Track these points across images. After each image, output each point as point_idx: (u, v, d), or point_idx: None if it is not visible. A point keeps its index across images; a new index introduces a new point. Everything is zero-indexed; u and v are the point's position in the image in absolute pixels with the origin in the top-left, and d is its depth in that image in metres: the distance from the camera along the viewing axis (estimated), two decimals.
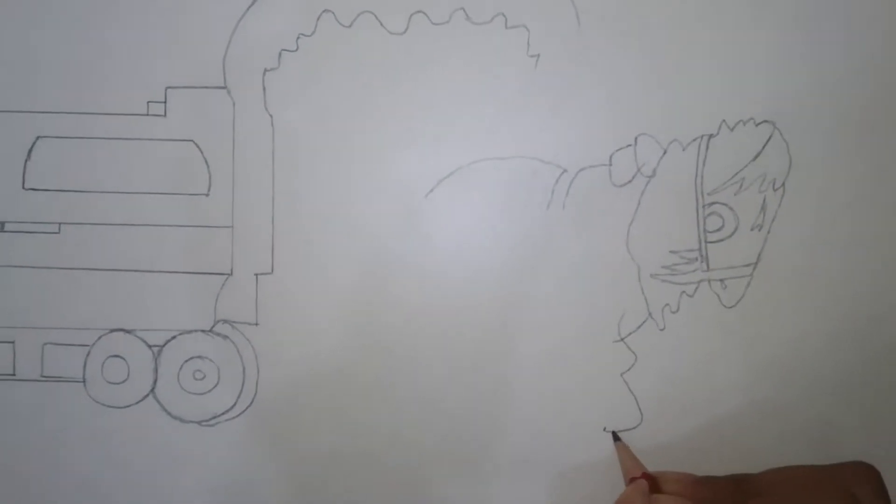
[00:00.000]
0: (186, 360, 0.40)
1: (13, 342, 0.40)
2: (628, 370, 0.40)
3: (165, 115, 0.40)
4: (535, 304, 0.40)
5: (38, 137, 0.40)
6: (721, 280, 0.40)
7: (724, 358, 0.40)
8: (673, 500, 0.33)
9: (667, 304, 0.40)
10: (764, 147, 0.40)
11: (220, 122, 0.40)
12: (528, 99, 0.40)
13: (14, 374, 0.41)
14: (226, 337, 0.40)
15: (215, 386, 0.40)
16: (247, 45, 0.40)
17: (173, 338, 0.40)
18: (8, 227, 0.40)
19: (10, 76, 0.40)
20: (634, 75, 0.40)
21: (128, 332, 0.40)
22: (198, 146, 0.40)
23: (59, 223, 0.40)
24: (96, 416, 0.40)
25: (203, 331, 0.40)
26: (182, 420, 0.40)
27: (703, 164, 0.40)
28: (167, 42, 0.40)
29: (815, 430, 0.40)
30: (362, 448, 0.40)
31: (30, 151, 0.40)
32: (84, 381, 0.40)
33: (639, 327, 0.40)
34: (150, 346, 0.40)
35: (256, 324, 0.40)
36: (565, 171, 0.40)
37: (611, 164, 0.40)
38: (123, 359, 0.40)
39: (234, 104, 0.40)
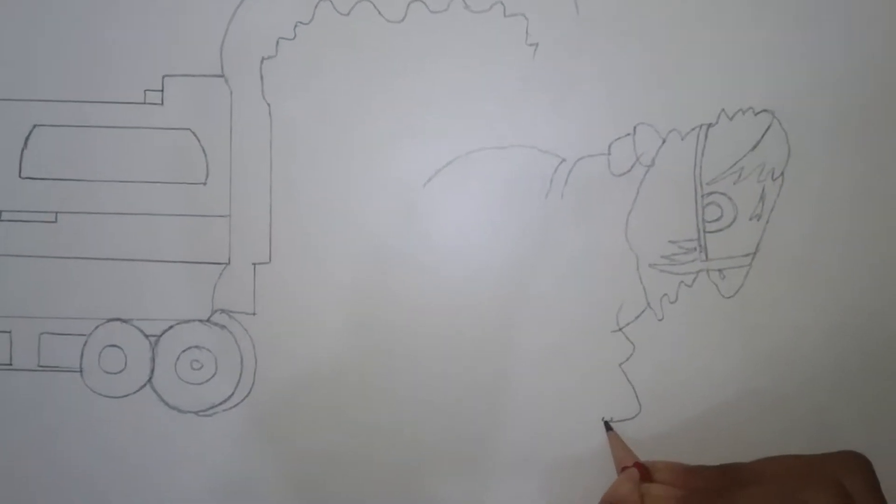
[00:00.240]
0: (184, 350, 0.40)
1: (10, 332, 0.40)
2: (626, 360, 0.40)
3: (163, 103, 0.40)
4: (534, 294, 0.40)
5: (34, 126, 0.40)
6: (720, 270, 0.40)
7: (722, 348, 0.40)
8: (664, 490, 0.34)
9: (665, 294, 0.40)
10: (763, 136, 0.40)
11: (218, 110, 0.40)
12: (527, 88, 0.40)
13: (11, 364, 0.40)
14: (223, 327, 0.40)
15: (213, 376, 0.40)
16: (244, 33, 0.40)
17: (171, 327, 0.40)
18: (4, 216, 0.40)
19: (6, 64, 0.40)
20: (634, 64, 0.40)
21: (125, 321, 0.40)
22: (195, 135, 0.40)
23: (56, 212, 0.40)
24: (93, 406, 0.40)
25: (200, 320, 0.40)
26: (179, 410, 0.40)
27: (702, 154, 0.40)
28: (164, 30, 0.40)
29: (812, 421, 0.40)
30: (360, 441, 0.40)
31: (26, 140, 0.40)
32: (81, 371, 0.40)
33: (637, 317, 0.40)
34: (147, 336, 0.40)
35: (254, 313, 0.40)
36: (564, 160, 0.40)
37: (609, 154, 0.40)
38: (121, 348, 0.40)
39: (231, 93, 0.40)
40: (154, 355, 0.40)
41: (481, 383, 0.40)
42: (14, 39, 0.40)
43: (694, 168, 0.40)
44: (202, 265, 0.40)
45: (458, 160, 0.40)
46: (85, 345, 0.40)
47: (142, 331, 0.40)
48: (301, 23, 0.40)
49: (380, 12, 0.40)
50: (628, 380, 0.40)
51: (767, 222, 0.40)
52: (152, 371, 0.40)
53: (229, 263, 0.40)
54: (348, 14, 0.40)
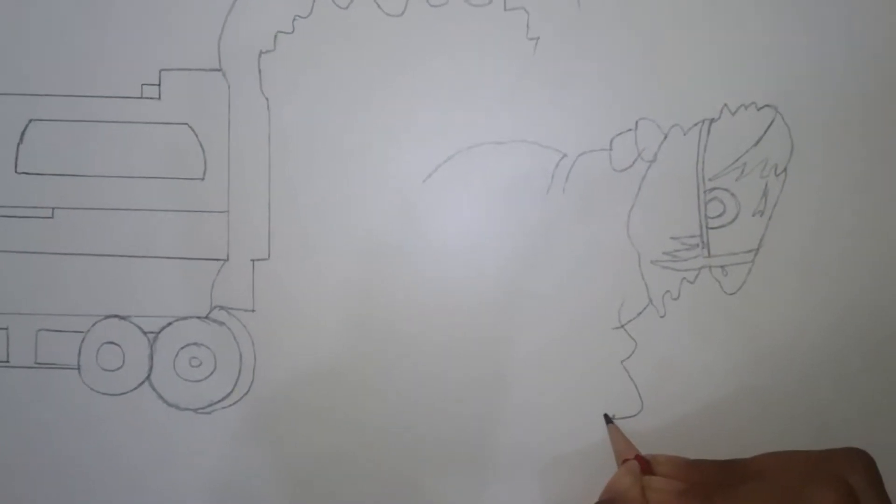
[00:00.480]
0: (182, 347, 0.40)
1: (6, 328, 0.40)
2: (628, 357, 0.40)
3: (160, 97, 0.40)
4: (534, 290, 0.40)
5: (30, 120, 0.40)
6: (722, 266, 0.40)
7: (725, 345, 0.40)
8: (666, 483, 0.33)
9: (667, 291, 0.40)
10: (766, 132, 0.39)
11: (216, 105, 0.40)
12: (528, 82, 0.40)
13: (7, 361, 0.40)
14: (222, 323, 0.40)
15: (212, 373, 0.40)
16: (242, 26, 0.39)
17: (169, 324, 0.40)
18: (0, 211, 0.40)
19: (2, 58, 0.40)
20: (635, 59, 0.39)
21: (123, 318, 0.40)
22: (193, 130, 0.40)
23: (53, 208, 0.40)
24: (91, 404, 0.40)
25: (199, 317, 0.40)
26: (178, 407, 0.40)
27: (705, 149, 0.39)
28: (161, 24, 0.39)
29: (815, 418, 0.40)
30: (360, 439, 0.40)
31: (22, 135, 0.40)
32: (79, 368, 0.40)
33: (639, 314, 0.40)
34: (145, 333, 0.40)
35: (253, 310, 0.40)
36: (565, 155, 0.40)
37: (611, 149, 0.40)
38: (118, 345, 0.40)
39: (229, 87, 0.40)
40: (152, 352, 0.40)
41: (481, 381, 0.40)
42: (9, 33, 0.40)
43: (696, 164, 0.39)
44: (200, 261, 0.40)
45: (458, 155, 0.40)
46: (82, 342, 0.40)
47: (140, 328, 0.40)
48: (300, 16, 0.39)
49: (379, 6, 0.39)
50: (630, 377, 0.40)
51: (770, 218, 0.40)
52: (150, 368, 0.40)
53: (228, 260, 0.40)
54: (347, 8, 0.39)
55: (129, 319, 0.40)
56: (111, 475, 0.40)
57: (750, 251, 0.40)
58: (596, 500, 0.35)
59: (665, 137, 0.39)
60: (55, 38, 0.40)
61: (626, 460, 0.36)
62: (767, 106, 0.39)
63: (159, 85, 0.40)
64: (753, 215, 0.39)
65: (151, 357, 0.40)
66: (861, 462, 0.30)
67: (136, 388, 0.40)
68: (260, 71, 0.40)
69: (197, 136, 0.40)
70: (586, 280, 0.40)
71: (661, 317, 0.40)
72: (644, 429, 0.39)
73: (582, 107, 0.40)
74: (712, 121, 0.39)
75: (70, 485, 0.40)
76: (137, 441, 0.40)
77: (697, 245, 0.40)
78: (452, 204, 0.40)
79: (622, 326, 0.40)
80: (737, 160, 0.39)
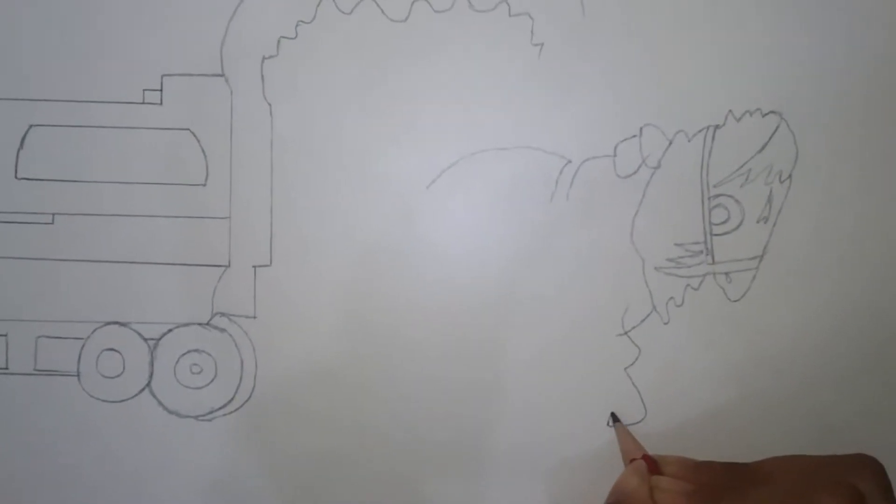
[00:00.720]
0: (183, 354, 0.40)
1: (6, 335, 0.40)
2: (632, 364, 0.40)
3: (161, 103, 0.39)
4: (538, 296, 0.40)
5: (31, 126, 0.40)
6: (726, 273, 0.39)
7: (728, 352, 0.40)
8: (674, 483, 0.33)
9: (671, 298, 0.40)
10: (770, 138, 0.39)
11: (218, 110, 0.39)
12: (532, 88, 0.39)
13: (7, 368, 0.40)
14: (223, 330, 0.40)
15: (212, 380, 0.40)
16: (245, 32, 0.39)
17: (169, 331, 0.40)
18: (0, 217, 0.40)
19: (2, 64, 0.39)
20: (640, 65, 0.39)
21: (123, 325, 0.40)
22: (195, 135, 0.39)
23: (53, 214, 0.40)
24: (91, 411, 0.40)
25: (200, 324, 0.40)
26: (178, 415, 0.40)
27: (709, 156, 0.39)
28: (163, 28, 0.39)
29: (819, 424, 0.40)
30: (362, 444, 0.40)
31: (23, 140, 0.39)
32: (78, 375, 0.40)
33: (643, 321, 0.40)
34: (145, 340, 0.40)
35: (254, 317, 0.40)
36: (569, 161, 0.40)
37: (615, 156, 0.39)
38: (119, 352, 0.40)
39: (231, 92, 0.39)
40: (153, 359, 0.40)
41: (484, 387, 0.40)
42: (10, 38, 0.39)
43: (701, 170, 0.39)
44: (201, 268, 0.40)
45: (461, 161, 0.40)
46: (82, 348, 0.40)
47: (140, 334, 0.40)
48: (303, 21, 0.39)
49: (383, 11, 0.39)
50: (634, 384, 0.40)
51: (775, 225, 0.39)
52: (151, 375, 0.40)
53: (229, 266, 0.40)
54: (351, 13, 0.39)
55: (130, 326, 0.40)
56: (111, 483, 0.40)
57: (754, 258, 0.39)
58: (602, 501, 0.34)
59: (669, 144, 0.39)
60: (56, 43, 0.39)
61: (633, 460, 0.36)
62: (772, 112, 0.39)
63: (161, 90, 0.39)
64: (758, 222, 0.39)
65: (152, 364, 0.40)
66: (871, 468, 0.30)
67: (136, 395, 0.40)
68: (262, 76, 0.39)
69: (199, 141, 0.39)
70: (590, 286, 0.40)
71: (665, 323, 0.40)
72: (648, 435, 0.39)
73: (586, 113, 0.39)
74: (717, 127, 0.39)
75: (70, 492, 0.40)
76: (138, 448, 0.40)
77: (701, 252, 0.39)
78: (456, 210, 0.40)
79: (626, 333, 0.40)
80: (741, 166, 0.39)
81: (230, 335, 0.40)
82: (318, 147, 0.40)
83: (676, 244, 0.40)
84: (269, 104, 0.39)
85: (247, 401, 0.40)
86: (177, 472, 0.40)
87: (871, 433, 0.40)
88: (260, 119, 0.39)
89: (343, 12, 0.39)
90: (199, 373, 0.40)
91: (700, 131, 0.39)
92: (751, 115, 0.39)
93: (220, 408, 0.40)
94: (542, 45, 0.39)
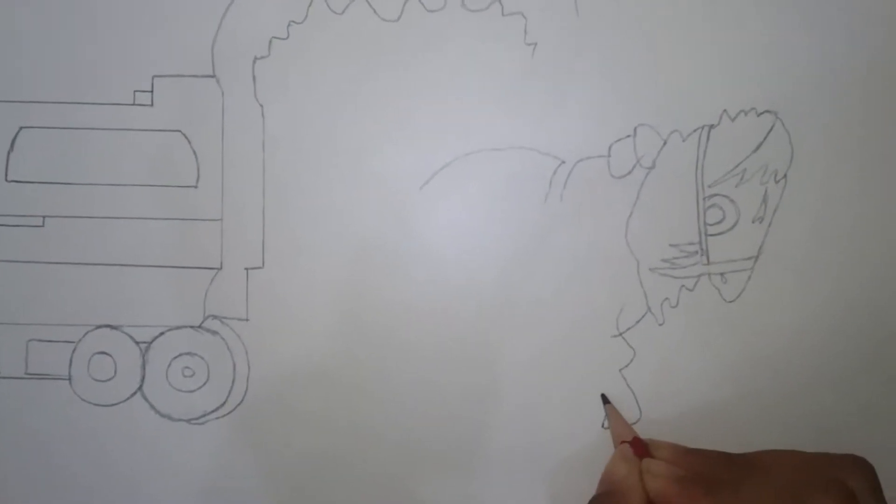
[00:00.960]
0: (175, 357, 0.40)
1: None
2: (627, 366, 0.40)
3: (152, 104, 0.39)
4: (532, 298, 0.40)
5: (21, 128, 0.39)
6: (721, 274, 0.39)
7: (724, 353, 0.40)
8: (665, 468, 0.33)
9: (666, 299, 0.39)
10: (766, 138, 0.39)
11: (209, 111, 0.39)
12: (525, 88, 0.39)
13: None
14: (215, 333, 0.39)
15: (205, 383, 0.40)
16: (236, 32, 0.39)
17: (161, 334, 0.40)
18: None
19: None
20: (634, 64, 0.39)
21: (114, 328, 0.39)
22: (186, 137, 0.39)
23: (44, 216, 0.39)
24: (82, 414, 0.39)
25: (192, 327, 0.39)
26: (170, 418, 0.40)
27: (704, 156, 0.39)
28: (154, 29, 0.39)
29: (815, 425, 0.40)
30: (356, 447, 0.40)
31: (13, 142, 0.39)
32: (70, 379, 0.39)
33: (637, 322, 0.40)
34: (137, 343, 0.40)
35: (247, 319, 0.39)
36: (563, 162, 0.39)
37: (609, 156, 0.39)
38: (110, 356, 0.39)
39: (223, 93, 0.39)
40: (144, 362, 0.40)
41: (478, 389, 0.40)
42: (0, 39, 0.39)
43: (695, 170, 0.39)
44: (193, 270, 0.39)
45: (455, 162, 0.39)
46: (74, 352, 0.39)
47: (132, 337, 0.40)
48: (294, 22, 0.39)
49: (375, 11, 0.39)
50: (628, 385, 0.40)
51: (770, 225, 0.39)
52: (143, 379, 0.40)
53: (221, 268, 0.39)
54: (343, 13, 0.39)
55: (121, 329, 0.39)
56: (103, 487, 0.40)
57: (749, 258, 0.39)
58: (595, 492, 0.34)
59: (664, 144, 0.39)
60: (46, 44, 0.39)
61: (623, 442, 0.35)
62: (767, 112, 0.39)
63: (152, 91, 0.39)
64: (753, 222, 0.39)
65: (144, 367, 0.40)
66: (862, 469, 0.30)
67: (128, 399, 0.40)
68: (254, 77, 0.39)
69: (190, 143, 0.39)
70: (584, 287, 0.40)
71: (660, 325, 0.40)
72: (643, 436, 0.39)
73: (580, 113, 0.39)
74: (711, 127, 0.39)
75: (62, 496, 0.40)
76: (130, 452, 0.40)
77: (696, 252, 0.39)
78: (450, 211, 0.40)
79: (621, 334, 0.40)
80: (736, 166, 0.39)
81: (222, 338, 0.39)
82: (310, 148, 0.39)
83: (671, 245, 0.39)
84: (261, 105, 0.39)
85: (239, 404, 0.40)
86: (169, 475, 0.40)
87: (868, 434, 0.40)
88: (252, 120, 0.39)
89: (335, 12, 0.39)
90: (192, 376, 0.40)
91: (695, 131, 0.39)
92: (745, 114, 0.39)
93: (213, 411, 0.40)
94: (536, 44, 0.39)
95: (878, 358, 0.40)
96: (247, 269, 0.39)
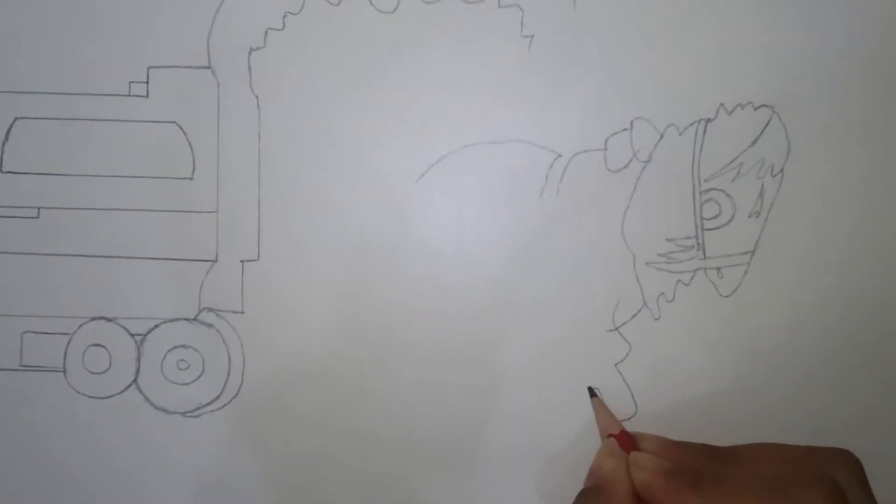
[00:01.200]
0: (170, 350, 0.39)
1: None
2: (622, 360, 0.40)
3: (148, 95, 0.39)
4: (527, 291, 0.39)
5: (16, 119, 0.39)
6: (718, 268, 0.39)
7: (720, 348, 0.39)
8: (652, 461, 0.32)
9: (662, 293, 0.39)
10: (762, 132, 0.39)
11: (205, 103, 0.39)
12: (522, 81, 0.39)
13: None
14: (210, 325, 0.39)
15: (200, 376, 0.39)
16: (232, 23, 0.39)
17: (156, 326, 0.39)
18: None
19: None
20: (631, 57, 0.39)
21: (109, 320, 0.39)
22: (181, 128, 0.39)
23: (39, 207, 0.39)
24: (77, 407, 0.39)
25: (187, 319, 0.39)
26: (166, 411, 0.39)
27: (701, 150, 0.39)
28: (150, 20, 0.39)
29: (812, 420, 0.40)
30: (351, 442, 0.40)
31: (7, 133, 0.39)
32: (65, 371, 0.39)
33: (633, 316, 0.40)
34: (132, 335, 0.39)
35: (242, 312, 0.39)
36: (560, 155, 0.39)
37: (606, 149, 0.39)
38: (105, 348, 0.39)
39: (218, 85, 0.39)
40: (139, 355, 0.39)
41: (474, 384, 0.40)
42: None
43: (692, 164, 0.39)
44: (189, 262, 0.39)
45: (451, 155, 0.39)
46: (68, 344, 0.39)
47: (127, 330, 0.39)
48: (290, 13, 0.39)
49: (371, 2, 0.39)
50: (624, 380, 0.40)
51: (766, 220, 0.39)
52: (138, 371, 0.39)
53: (216, 261, 0.39)
54: (339, 4, 0.39)
55: (116, 321, 0.39)
56: (98, 479, 0.40)
57: (746, 253, 0.39)
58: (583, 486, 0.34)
59: (660, 137, 0.39)
60: (41, 35, 0.39)
61: (610, 435, 0.35)
62: (764, 106, 0.39)
63: (147, 82, 0.39)
64: (749, 216, 0.39)
65: (139, 359, 0.39)
66: (849, 462, 0.30)
67: (123, 391, 0.40)
68: (250, 68, 0.39)
69: (185, 134, 0.39)
70: (580, 282, 0.39)
71: (656, 319, 0.39)
72: (639, 431, 0.39)
73: (577, 106, 0.39)
74: (708, 121, 0.39)
75: (56, 489, 0.40)
76: (124, 445, 0.39)
77: (693, 247, 0.39)
78: (445, 204, 0.39)
79: (616, 329, 0.40)
80: (733, 161, 0.39)
81: (217, 330, 0.39)
82: (306, 139, 0.39)
83: (667, 239, 0.39)
84: (257, 96, 0.39)
85: (234, 397, 0.39)
86: (164, 468, 0.40)
87: (864, 430, 0.39)
88: (247, 111, 0.39)
89: (331, 3, 0.39)
90: (187, 369, 0.39)
91: (691, 125, 0.39)
92: (742, 108, 0.39)
93: (208, 404, 0.39)
94: (532, 36, 0.39)
95: (876, 354, 0.40)
96: (242, 261, 0.39)
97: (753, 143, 0.39)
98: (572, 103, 0.39)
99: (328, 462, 0.40)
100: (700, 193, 0.39)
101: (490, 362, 0.40)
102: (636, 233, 0.39)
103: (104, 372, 0.39)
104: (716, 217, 0.39)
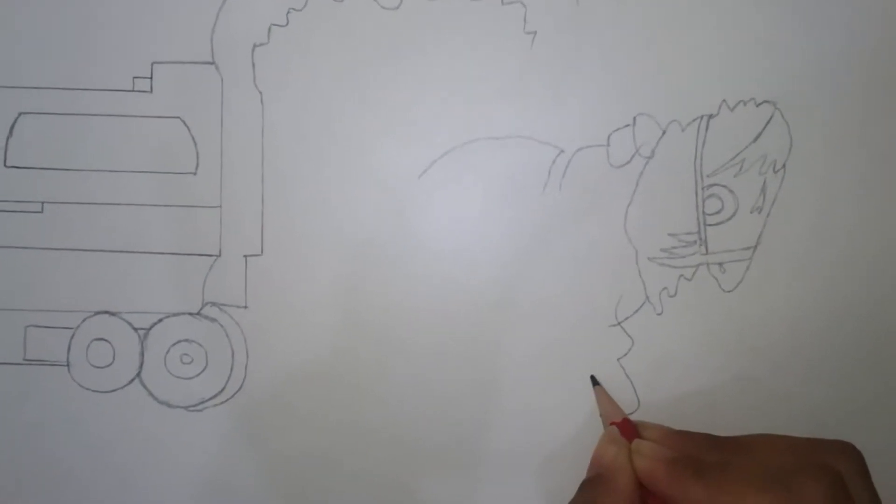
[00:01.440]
0: (173, 344, 0.40)
1: None
2: (625, 355, 0.40)
3: (151, 91, 0.39)
4: (530, 287, 0.40)
5: (20, 114, 0.39)
6: (720, 263, 0.39)
7: (722, 342, 0.39)
8: (654, 449, 0.32)
9: (665, 288, 0.39)
10: (765, 128, 0.39)
11: (208, 98, 0.39)
12: (525, 77, 0.39)
13: None
14: (214, 320, 0.39)
15: (203, 370, 0.40)
16: (235, 19, 0.39)
17: (160, 321, 0.39)
18: None
19: None
20: (633, 53, 0.39)
21: (113, 314, 0.39)
22: (185, 123, 0.39)
23: (42, 202, 0.39)
24: (80, 401, 0.39)
25: (190, 314, 0.39)
26: (169, 405, 0.40)
27: (703, 145, 0.39)
28: (153, 15, 0.39)
29: (814, 415, 0.40)
30: (353, 436, 0.40)
31: (11, 128, 0.39)
32: (68, 365, 0.39)
33: (636, 311, 0.40)
34: (135, 329, 0.39)
35: (245, 307, 0.39)
36: (562, 151, 0.39)
37: (609, 145, 0.39)
38: (109, 342, 0.39)
39: (222, 80, 0.39)
40: (143, 349, 0.40)
41: (477, 380, 0.40)
42: None
43: (694, 160, 0.39)
44: (192, 257, 0.39)
45: (454, 151, 0.39)
46: (72, 338, 0.39)
47: (130, 324, 0.39)
48: (294, 9, 0.39)
49: None
50: (627, 375, 0.40)
51: (769, 215, 0.39)
52: (141, 365, 0.40)
53: (220, 255, 0.39)
54: (342, 0, 0.39)
55: (120, 316, 0.39)
56: (101, 473, 0.40)
57: (748, 248, 0.39)
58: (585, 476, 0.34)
59: (663, 133, 0.39)
60: (45, 30, 0.39)
61: (612, 423, 0.35)
62: (766, 102, 0.39)
63: (151, 78, 0.39)
64: (752, 212, 0.39)
65: (142, 354, 0.40)
66: (851, 454, 0.30)
67: (126, 386, 0.40)
68: (253, 64, 0.39)
69: (189, 130, 0.39)
70: (583, 277, 0.40)
71: (659, 314, 0.40)
72: None
73: (579, 102, 0.39)
74: (711, 116, 0.39)
75: (59, 483, 0.40)
76: (127, 439, 0.40)
77: (695, 242, 0.39)
78: (448, 199, 0.39)
79: (619, 324, 0.40)
80: (735, 156, 0.39)
81: (221, 325, 0.39)
82: (309, 135, 0.39)
83: (670, 234, 0.39)
84: (261, 92, 0.39)
85: (238, 391, 0.40)
86: (167, 462, 0.40)
87: (867, 424, 0.40)
88: (251, 107, 0.39)
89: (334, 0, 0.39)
90: (190, 363, 0.40)
91: (694, 121, 0.39)
92: (745, 104, 0.39)
93: (211, 398, 0.40)
94: (535, 33, 0.39)
95: (877, 348, 0.40)
96: (245, 256, 0.39)
97: (756, 139, 0.39)
98: (575, 99, 0.39)
99: (331, 457, 0.40)
100: (702, 189, 0.39)
101: (492, 359, 0.40)
102: (639, 228, 0.39)
103: (108, 366, 0.40)
104: (718, 212, 0.39)
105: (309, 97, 0.39)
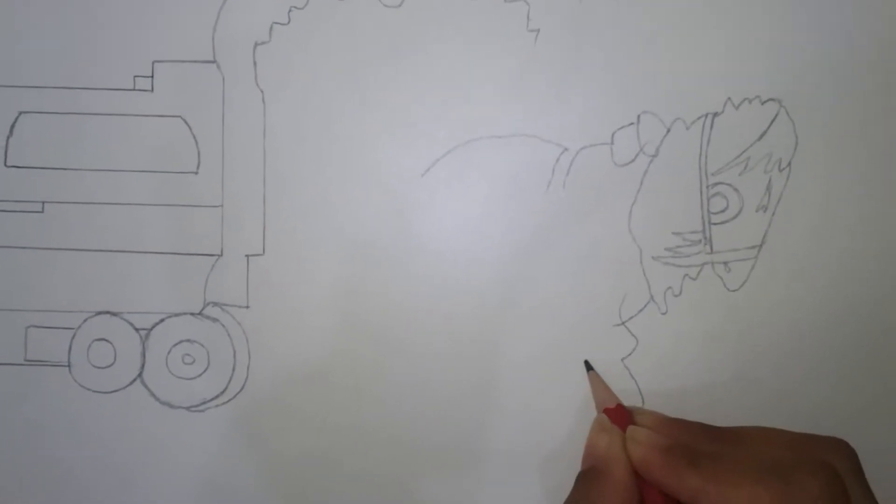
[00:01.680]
0: (175, 344, 0.39)
1: None
2: (629, 355, 0.39)
3: (153, 90, 0.39)
4: (533, 286, 0.39)
5: (20, 113, 0.39)
6: (725, 262, 0.39)
7: (727, 342, 0.39)
8: (649, 436, 0.32)
9: (669, 288, 0.39)
10: (770, 126, 0.39)
11: (210, 97, 0.39)
12: (528, 75, 0.39)
13: None
14: (215, 320, 0.39)
15: (205, 370, 0.39)
16: (237, 17, 0.39)
17: (161, 321, 0.39)
18: None
19: None
20: (637, 51, 0.39)
21: (114, 314, 0.39)
22: (186, 122, 0.39)
23: (43, 202, 0.39)
24: (82, 401, 0.39)
25: (192, 314, 0.39)
26: (170, 405, 0.39)
27: (708, 144, 0.39)
28: (154, 14, 0.39)
29: (819, 415, 0.39)
30: (353, 437, 0.40)
31: (12, 127, 0.39)
32: (69, 366, 0.39)
33: (640, 311, 0.39)
34: (137, 330, 0.39)
35: (247, 307, 0.39)
36: (566, 149, 0.39)
37: (612, 143, 0.39)
38: (110, 342, 0.39)
39: (223, 79, 0.39)
40: (144, 349, 0.39)
41: (479, 380, 0.39)
42: None
43: (699, 158, 0.39)
44: (194, 257, 0.39)
45: (456, 149, 0.39)
46: (73, 338, 0.39)
47: (132, 324, 0.39)
48: (295, 7, 0.39)
49: None
50: (631, 375, 0.39)
51: (774, 214, 0.39)
52: (142, 366, 0.39)
53: (222, 255, 0.39)
54: None
55: (121, 316, 0.39)
56: (102, 473, 0.40)
57: (753, 247, 0.39)
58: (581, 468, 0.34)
59: (667, 131, 0.39)
60: (46, 29, 0.39)
61: (606, 409, 0.35)
62: (771, 100, 0.39)
63: (152, 77, 0.39)
64: (757, 211, 0.39)
65: (143, 354, 0.39)
66: (846, 451, 0.30)
67: (127, 386, 0.39)
68: (255, 63, 0.39)
69: (190, 128, 0.39)
70: (586, 276, 0.39)
71: (663, 314, 0.39)
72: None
73: (583, 100, 0.39)
74: (715, 115, 0.39)
75: (60, 484, 0.40)
76: (129, 439, 0.39)
77: (700, 241, 0.39)
78: (451, 198, 0.39)
79: (623, 323, 0.39)
80: (740, 155, 0.39)
81: (223, 325, 0.39)
82: (311, 134, 0.39)
83: (674, 233, 0.39)
84: (262, 91, 0.39)
85: (240, 391, 0.39)
86: (168, 462, 0.39)
87: (870, 424, 0.39)
88: (252, 106, 0.39)
89: None
90: (192, 363, 0.39)
91: (698, 119, 0.39)
92: (750, 102, 0.39)
93: (213, 398, 0.39)
94: (539, 31, 0.39)
95: (882, 348, 0.39)
96: (247, 255, 0.39)
97: (761, 137, 0.39)
98: (578, 97, 0.39)
99: (329, 460, 0.40)
100: (707, 187, 0.39)
101: (496, 358, 0.39)
102: (643, 227, 0.39)
103: (109, 366, 0.39)
104: (723, 211, 0.39)
105: (311, 96, 0.39)
